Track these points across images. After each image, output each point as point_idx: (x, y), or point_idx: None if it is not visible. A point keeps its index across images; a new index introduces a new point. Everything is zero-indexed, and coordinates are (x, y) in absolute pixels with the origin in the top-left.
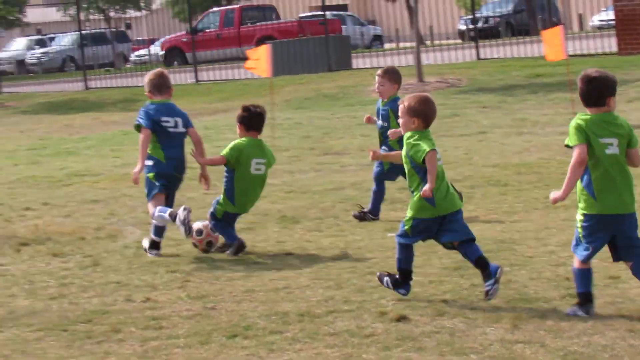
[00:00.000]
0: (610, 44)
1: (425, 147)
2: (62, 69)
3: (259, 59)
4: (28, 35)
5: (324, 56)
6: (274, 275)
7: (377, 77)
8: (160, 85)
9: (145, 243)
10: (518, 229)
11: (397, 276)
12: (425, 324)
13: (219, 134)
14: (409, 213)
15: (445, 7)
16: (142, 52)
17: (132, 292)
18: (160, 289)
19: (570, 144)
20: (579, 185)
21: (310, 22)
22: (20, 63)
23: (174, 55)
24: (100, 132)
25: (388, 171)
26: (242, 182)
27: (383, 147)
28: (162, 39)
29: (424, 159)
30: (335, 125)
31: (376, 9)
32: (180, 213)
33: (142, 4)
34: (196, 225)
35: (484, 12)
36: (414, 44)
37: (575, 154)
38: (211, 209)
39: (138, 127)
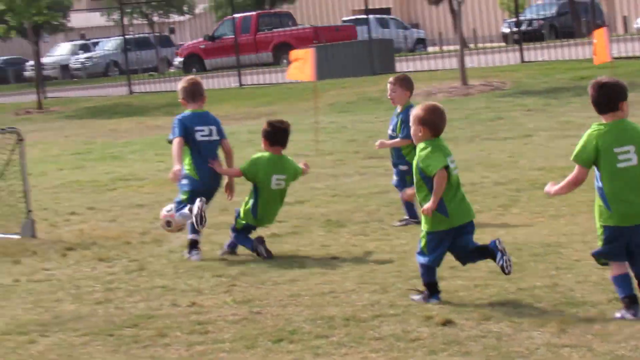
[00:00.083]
0: None
1: (437, 163)
2: (106, 73)
3: (304, 63)
4: (72, 41)
5: (368, 60)
6: (319, 280)
7: (389, 85)
8: (194, 92)
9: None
10: (564, 232)
11: (426, 291)
12: (471, 328)
13: None
14: (423, 227)
15: (489, 10)
16: None
17: (178, 297)
18: (206, 294)
19: (572, 159)
20: (596, 195)
21: (325, 29)
22: (65, 68)
23: (193, 62)
24: (145, 136)
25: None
26: (264, 197)
27: (396, 155)
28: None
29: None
30: (379, 129)
31: (419, 12)
32: (197, 204)
33: (185, 9)
34: (171, 205)
35: (528, 15)
36: (457, 47)
37: (574, 172)
38: (232, 224)
39: (170, 142)
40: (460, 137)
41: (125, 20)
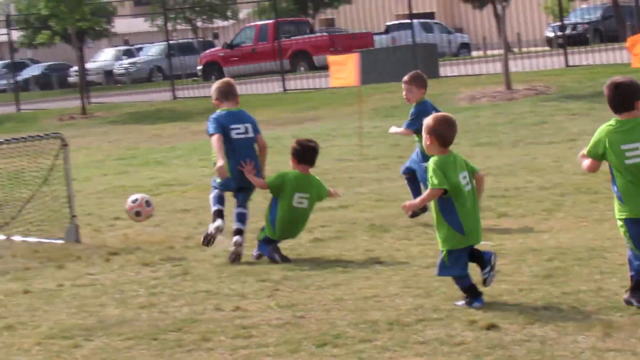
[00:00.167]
0: None
1: (434, 181)
2: (150, 79)
3: (345, 68)
4: (116, 46)
5: (412, 64)
6: (363, 284)
7: (403, 84)
8: (227, 92)
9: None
10: (609, 236)
11: (466, 296)
12: (515, 332)
13: None
14: (441, 247)
15: (533, 14)
16: None
17: (222, 301)
18: (250, 298)
19: (585, 153)
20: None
21: (342, 36)
22: (108, 73)
23: (212, 70)
24: (188, 141)
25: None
26: (283, 211)
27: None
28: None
29: None
30: None
31: (463, 16)
32: (212, 227)
33: (229, 14)
34: (135, 195)
35: (572, 19)
36: (501, 51)
37: (587, 163)
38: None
39: (210, 135)
40: (504, 142)
41: (169, 26)
